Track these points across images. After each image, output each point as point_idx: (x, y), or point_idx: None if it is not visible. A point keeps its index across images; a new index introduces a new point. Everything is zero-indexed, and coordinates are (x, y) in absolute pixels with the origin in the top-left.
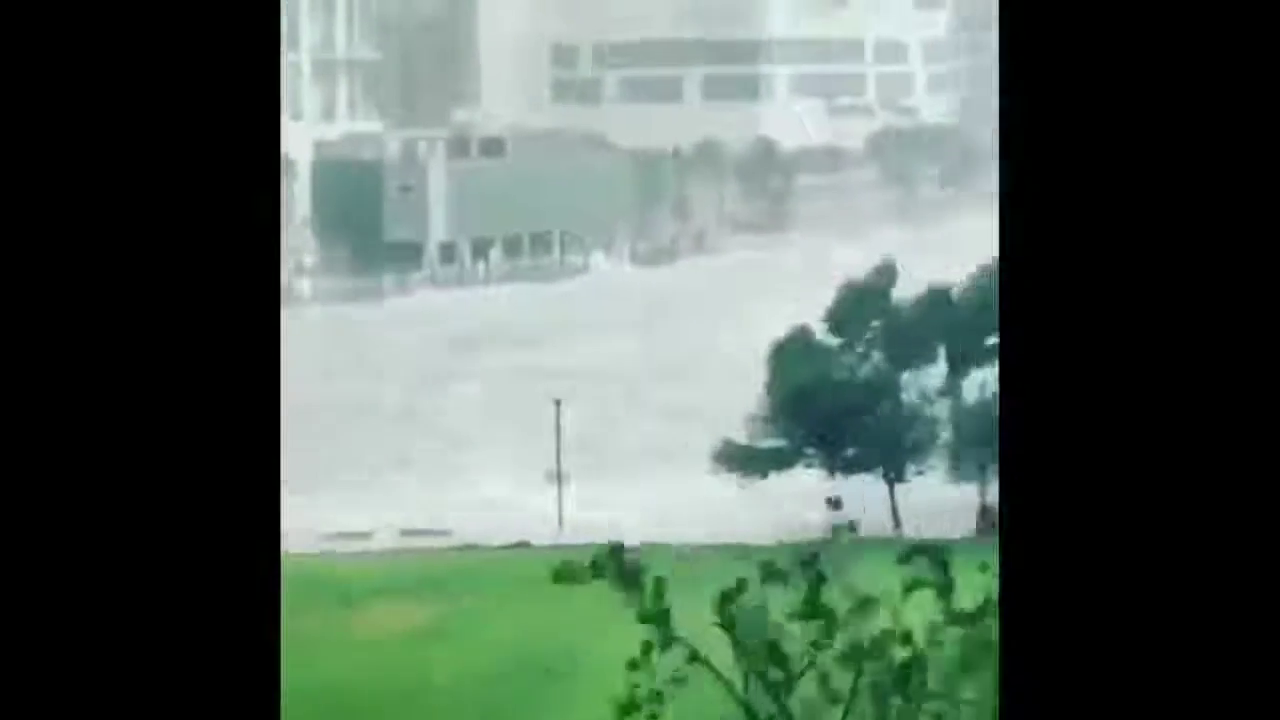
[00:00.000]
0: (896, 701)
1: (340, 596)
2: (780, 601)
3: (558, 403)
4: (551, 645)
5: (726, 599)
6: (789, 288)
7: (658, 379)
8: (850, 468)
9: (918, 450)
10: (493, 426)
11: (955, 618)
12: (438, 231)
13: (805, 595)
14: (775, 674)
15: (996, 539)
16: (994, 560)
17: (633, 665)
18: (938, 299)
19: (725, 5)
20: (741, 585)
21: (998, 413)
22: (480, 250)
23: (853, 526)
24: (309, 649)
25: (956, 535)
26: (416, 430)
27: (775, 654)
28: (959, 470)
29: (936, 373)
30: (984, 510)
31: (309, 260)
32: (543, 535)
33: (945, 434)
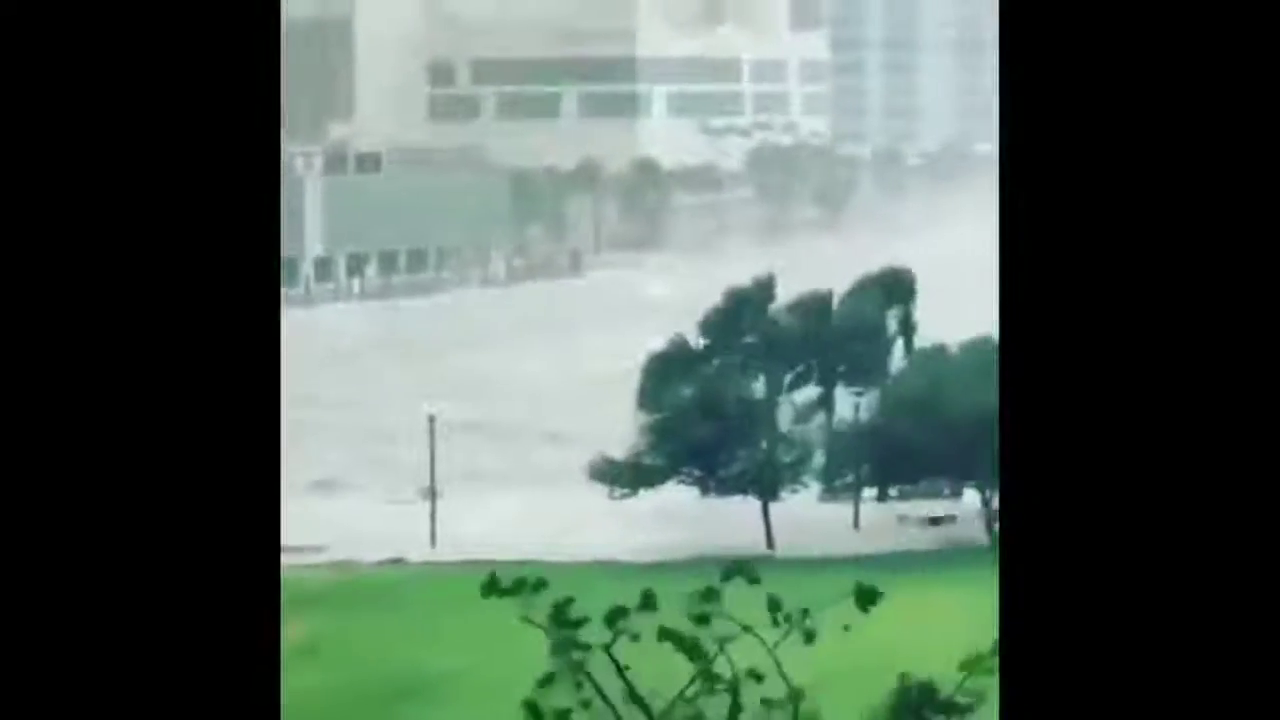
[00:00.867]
0: None
1: None
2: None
3: (431, 418)
4: (428, 665)
5: (612, 622)
6: (664, 304)
7: (531, 395)
8: (724, 486)
9: (791, 467)
10: (367, 442)
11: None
12: (314, 247)
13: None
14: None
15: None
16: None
17: (542, 683)
18: (813, 315)
19: (604, 24)
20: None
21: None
22: (356, 266)
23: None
24: None
25: (828, 553)
26: (290, 445)
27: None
28: (834, 488)
29: (811, 390)
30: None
31: None
32: (416, 551)
33: (820, 452)
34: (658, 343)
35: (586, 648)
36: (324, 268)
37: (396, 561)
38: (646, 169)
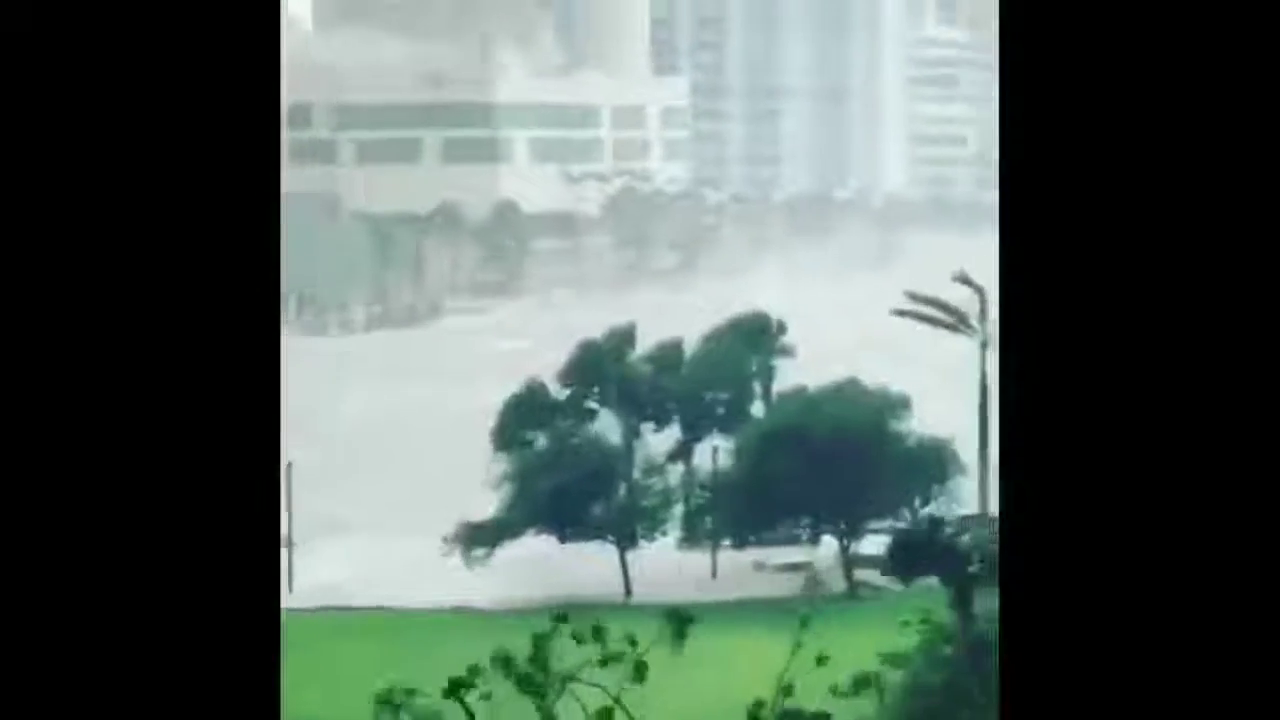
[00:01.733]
0: None
1: None
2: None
3: (288, 465)
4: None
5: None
6: (522, 351)
7: (391, 442)
8: (582, 534)
9: (650, 515)
10: None
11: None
12: None
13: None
14: None
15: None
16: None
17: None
18: (671, 363)
19: (464, 69)
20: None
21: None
22: None
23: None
24: None
25: (685, 600)
26: None
27: None
28: (692, 536)
29: (669, 437)
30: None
31: None
32: None
33: (678, 499)
34: (515, 390)
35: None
36: None
37: None
38: (507, 215)
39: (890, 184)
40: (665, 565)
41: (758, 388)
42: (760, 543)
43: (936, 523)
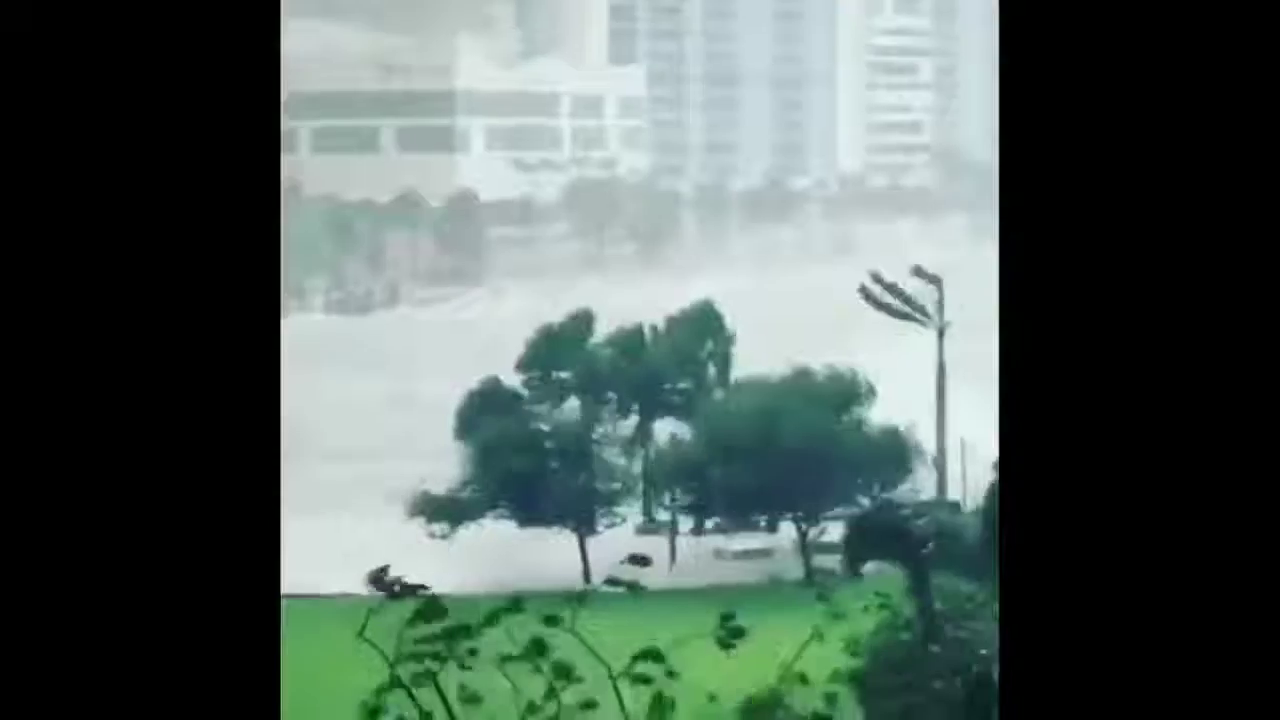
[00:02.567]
0: None
1: None
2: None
3: None
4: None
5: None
6: (483, 339)
7: (349, 428)
8: (541, 519)
9: (609, 501)
10: None
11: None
12: None
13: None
14: None
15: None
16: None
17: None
18: (627, 351)
19: (422, 58)
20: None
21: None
22: None
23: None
24: None
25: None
26: None
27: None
28: (651, 522)
29: (628, 423)
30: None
31: None
32: None
33: (637, 485)
34: (475, 375)
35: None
36: None
37: None
38: (464, 203)
39: (848, 172)
40: (623, 551)
41: (715, 375)
42: (718, 529)
43: (892, 507)
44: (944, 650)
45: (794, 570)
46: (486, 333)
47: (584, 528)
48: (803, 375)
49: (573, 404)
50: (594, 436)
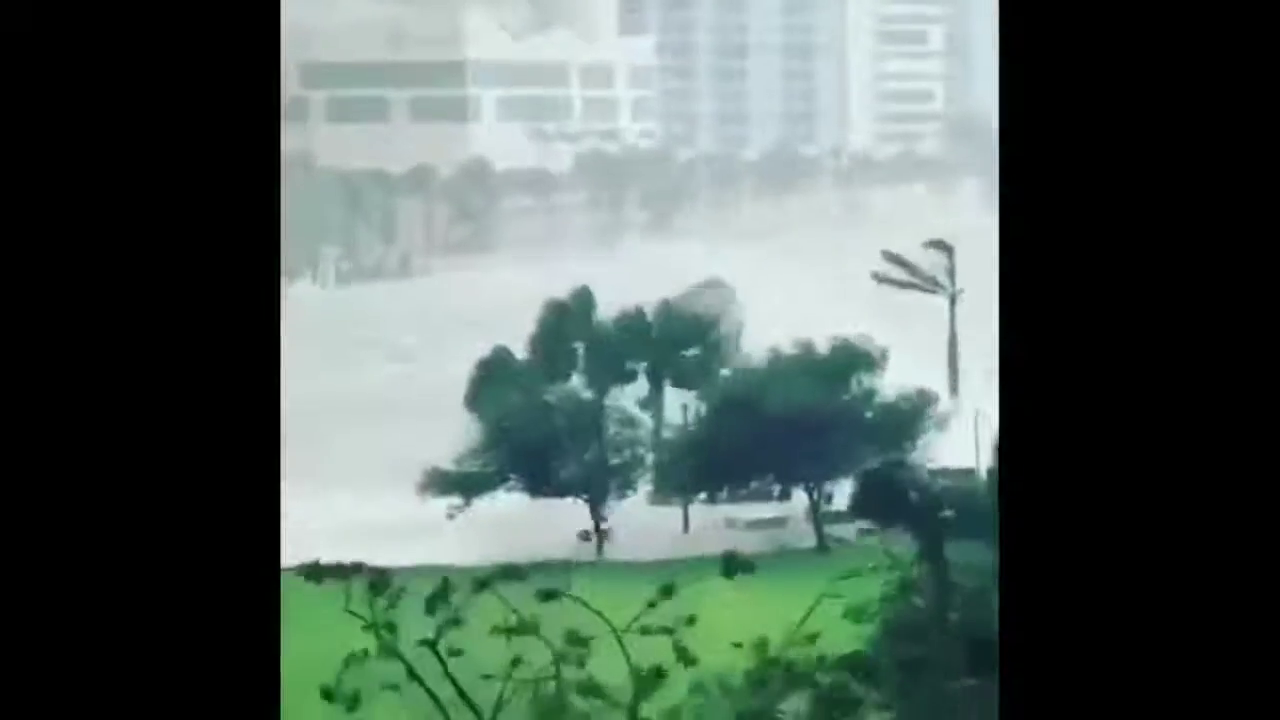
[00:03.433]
0: None
1: None
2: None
3: None
4: None
5: (432, 607)
6: (494, 310)
7: (362, 400)
8: (554, 490)
9: (620, 473)
10: None
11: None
12: None
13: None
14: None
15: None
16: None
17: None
18: (637, 321)
19: (433, 28)
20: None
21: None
22: None
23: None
24: None
25: (657, 557)
26: None
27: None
28: (662, 492)
29: (638, 395)
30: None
31: None
32: None
33: (648, 456)
34: (487, 346)
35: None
36: None
37: None
38: (477, 173)
39: (858, 141)
40: (637, 521)
41: (726, 347)
42: (731, 499)
43: (905, 467)
44: (957, 617)
45: (807, 538)
46: (499, 303)
47: (596, 498)
48: (813, 345)
49: (583, 375)
50: (604, 407)
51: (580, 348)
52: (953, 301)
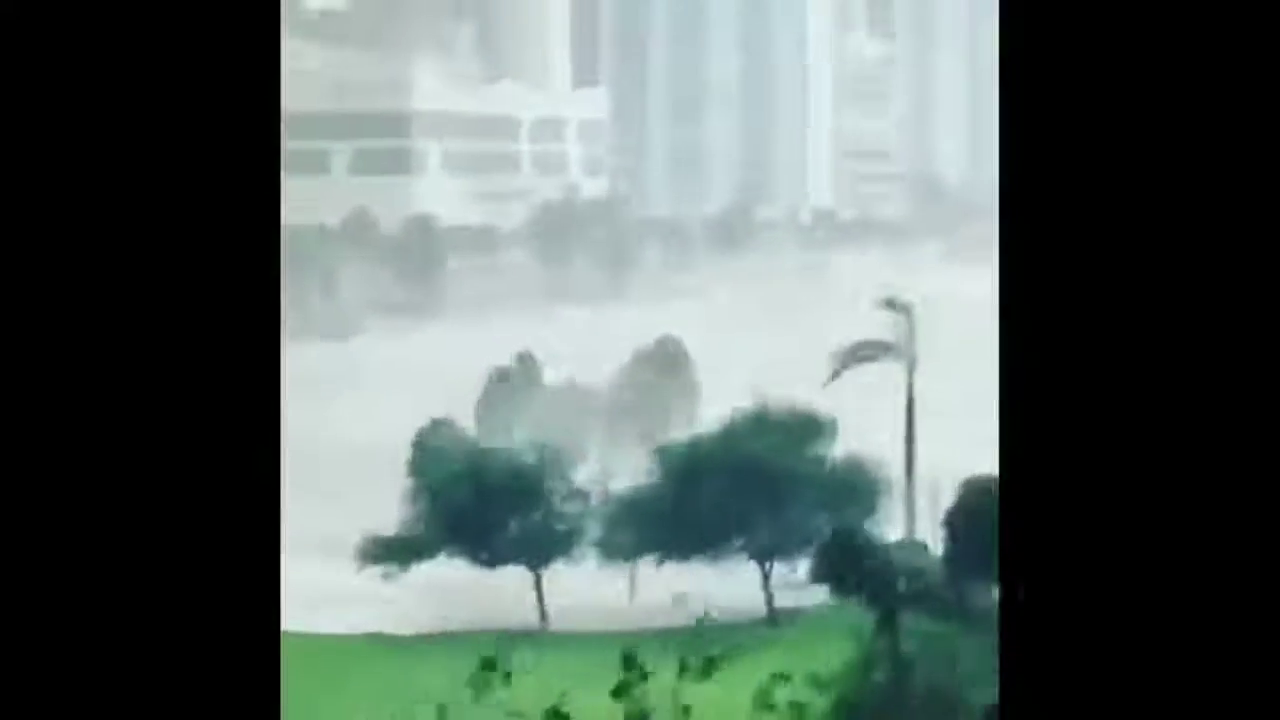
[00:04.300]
0: None
1: None
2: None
3: None
4: None
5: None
6: (436, 370)
7: (297, 464)
8: (496, 558)
9: (566, 539)
10: None
11: None
12: None
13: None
14: None
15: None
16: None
17: None
18: (585, 387)
19: (377, 76)
20: None
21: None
22: None
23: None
24: None
25: (603, 627)
26: None
27: None
28: (608, 560)
29: (583, 464)
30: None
31: None
32: None
33: (595, 522)
34: (428, 409)
35: None
36: None
37: None
38: (420, 228)
39: (817, 200)
40: (582, 589)
41: (677, 409)
42: (679, 560)
43: (865, 539)
44: (916, 689)
45: (758, 606)
46: (441, 365)
47: (539, 565)
48: (766, 411)
49: (527, 441)
50: (550, 474)
51: (525, 414)
52: (911, 366)
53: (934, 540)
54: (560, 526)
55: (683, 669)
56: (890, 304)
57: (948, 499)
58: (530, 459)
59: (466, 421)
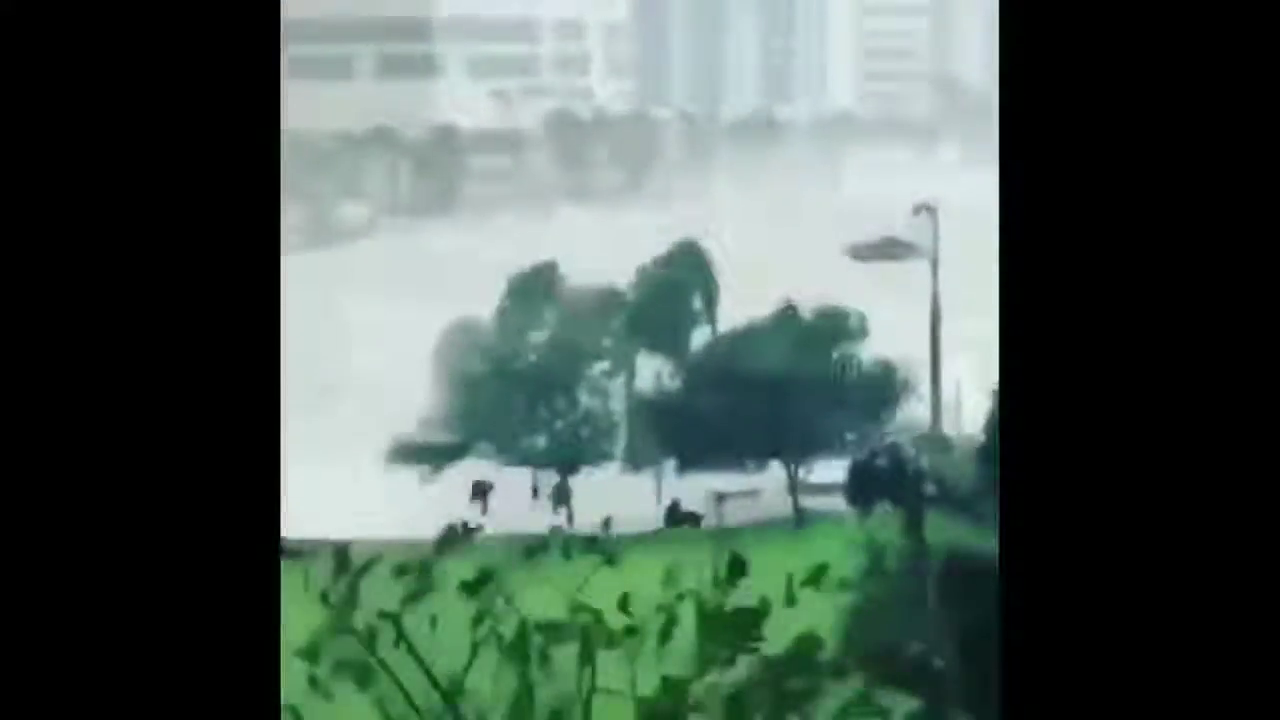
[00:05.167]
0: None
1: None
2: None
3: None
4: None
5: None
6: (461, 272)
7: (326, 366)
8: (523, 460)
9: (593, 442)
10: None
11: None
12: None
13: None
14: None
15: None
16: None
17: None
18: (608, 290)
19: None
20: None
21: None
22: None
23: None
24: None
25: (629, 529)
26: None
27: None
28: (635, 461)
29: (612, 363)
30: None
31: None
32: None
33: (620, 424)
34: (453, 311)
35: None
36: None
37: None
38: (444, 133)
39: (839, 101)
40: (608, 492)
41: (701, 313)
42: (706, 469)
43: (891, 449)
44: (937, 591)
45: (783, 510)
46: (466, 267)
47: (566, 468)
48: (792, 311)
49: (552, 344)
50: (576, 376)
51: (551, 314)
52: (935, 267)
53: (958, 441)
54: (586, 430)
55: (715, 579)
56: (915, 206)
57: (971, 401)
58: (557, 361)
59: (491, 323)
